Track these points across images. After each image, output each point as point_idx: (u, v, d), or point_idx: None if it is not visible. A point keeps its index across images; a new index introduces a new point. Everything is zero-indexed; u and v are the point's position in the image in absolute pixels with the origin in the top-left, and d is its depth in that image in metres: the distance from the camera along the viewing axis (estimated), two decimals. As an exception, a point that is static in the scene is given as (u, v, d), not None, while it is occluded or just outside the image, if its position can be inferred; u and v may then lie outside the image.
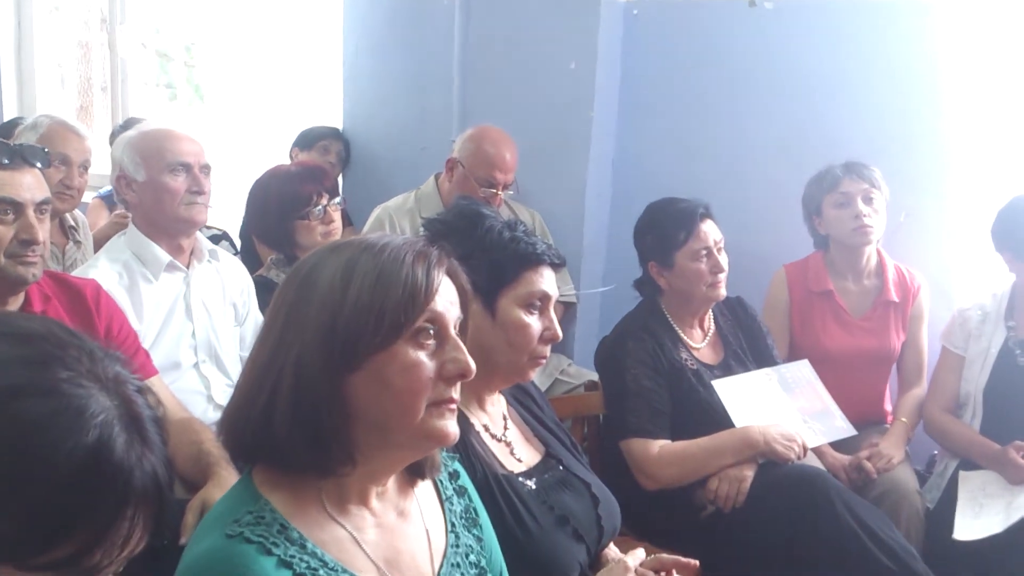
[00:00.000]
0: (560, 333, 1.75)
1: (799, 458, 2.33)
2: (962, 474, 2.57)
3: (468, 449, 1.63)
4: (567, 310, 3.28)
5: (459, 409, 1.64)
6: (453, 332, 1.16)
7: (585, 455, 2.06)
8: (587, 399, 2.62)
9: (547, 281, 1.74)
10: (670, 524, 2.30)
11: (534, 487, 1.71)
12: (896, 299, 2.86)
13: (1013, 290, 2.67)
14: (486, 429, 1.73)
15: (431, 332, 1.13)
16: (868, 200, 2.79)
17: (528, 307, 1.71)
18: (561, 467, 1.80)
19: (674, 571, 1.59)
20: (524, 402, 1.90)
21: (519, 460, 1.75)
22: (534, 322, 1.71)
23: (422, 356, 1.12)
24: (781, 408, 2.48)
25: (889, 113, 3.01)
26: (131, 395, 0.84)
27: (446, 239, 1.64)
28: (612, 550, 1.83)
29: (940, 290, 2.96)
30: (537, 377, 3.01)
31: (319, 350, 1.09)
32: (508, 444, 1.76)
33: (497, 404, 1.81)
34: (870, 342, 2.84)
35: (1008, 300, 2.68)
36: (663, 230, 2.49)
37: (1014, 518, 2.33)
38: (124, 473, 0.79)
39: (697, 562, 1.63)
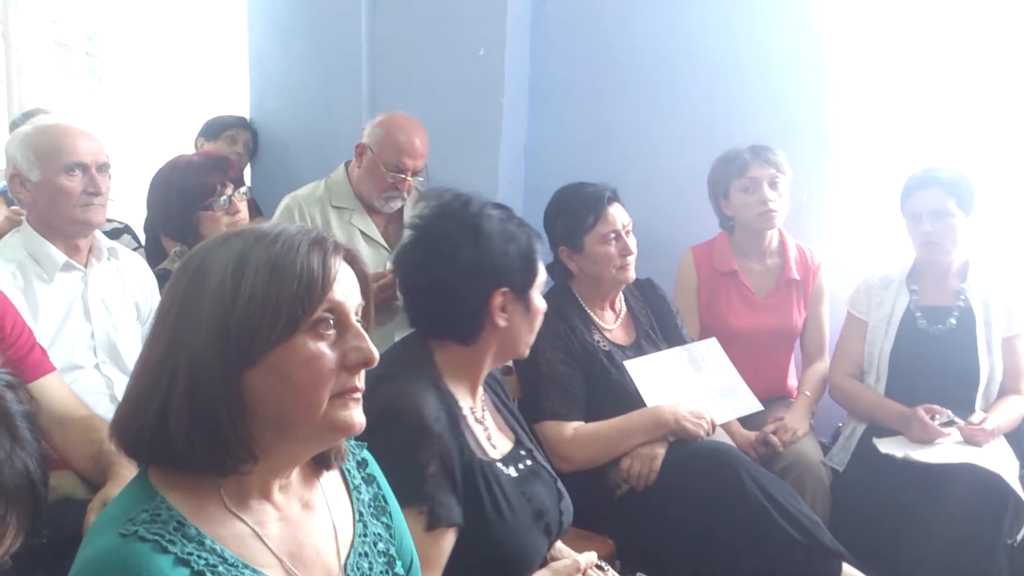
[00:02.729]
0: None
1: (708, 434, 2.37)
2: (876, 440, 2.65)
3: (458, 429, 1.65)
4: (482, 296, 3.27)
5: (451, 390, 1.69)
6: (354, 320, 1.14)
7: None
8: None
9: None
10: (585, 504, 2.31)
11: (514, 475, 1.73)
12: (797, 277, 2.95)
13: (916, 258, 2.77)
14: (474, 415, 1.75)
15: (331, 322, 1.11)
16: (774, 185, 2.86)
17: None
18: (531, 457, 1.83)
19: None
20: (494, 388, 1.91)
21: (494, 447, 1.76)
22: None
23: (322, 347, 1.10)
24: (691, 386, 2.53)
25: (788, 96, 3.10)
26: None
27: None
28: (558, 543, 1.87)
29: (841, 267, 3.06)
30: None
31: (213, 349, 1.06)
32: (486, 429, 1.77)
33: (480, 388, 1.82)
34: (773, 320, 2.92)
35: (911, 267, 2.78)
36: (572, 214, 2.51)
37: (945, 459, 2.44)
38: None
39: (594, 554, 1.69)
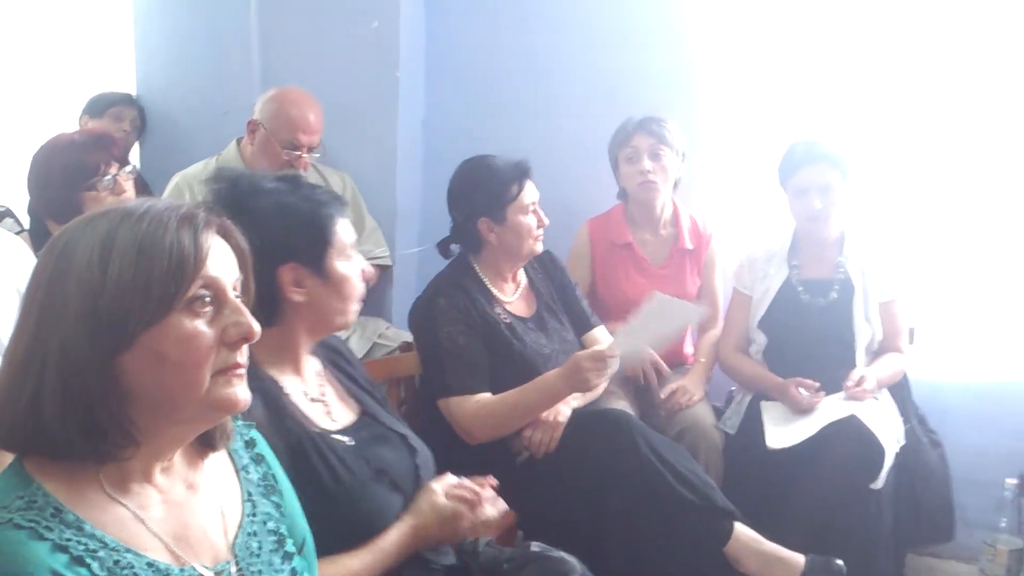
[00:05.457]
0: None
1: (608, 360, 2.24)
2: (763, 403, 2.76)
3: (281, 412, 1.62)
4: (383, 273, 3.26)
5: (271, 374, 1.62)
6: (232, 295, 1.12)
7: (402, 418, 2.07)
8: (402, 361, 2.62)
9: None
10: (487, 472, 2.34)
11: (351, 443, 1.71)
12: (691, 247, 3.02)
13: (795, 232, 2.86)
14: (304, 394, 1.72)
15: (207, 299, 1.09)
16: (655, 156, 2.91)
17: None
18: (377, 423, 1.82)
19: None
20: (336, 362, 1.89)
21: (334, 420, 1.75)
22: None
23: (199, 325, 1.08)
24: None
25: (680, 67, 3.15)
26: None
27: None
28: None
29: (733, 237, 3.14)
30: (355, 342, 2.99)
31: (83, 335, 1.03)
32: (325, 404, 1.76)
33: (310, 364, 1.80)
34: (668, 288, 2.93)
35: (791, 241, 2.87)
36: (496, 185, 2.49)
37: (820, 425, 2.54)
38: None
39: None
